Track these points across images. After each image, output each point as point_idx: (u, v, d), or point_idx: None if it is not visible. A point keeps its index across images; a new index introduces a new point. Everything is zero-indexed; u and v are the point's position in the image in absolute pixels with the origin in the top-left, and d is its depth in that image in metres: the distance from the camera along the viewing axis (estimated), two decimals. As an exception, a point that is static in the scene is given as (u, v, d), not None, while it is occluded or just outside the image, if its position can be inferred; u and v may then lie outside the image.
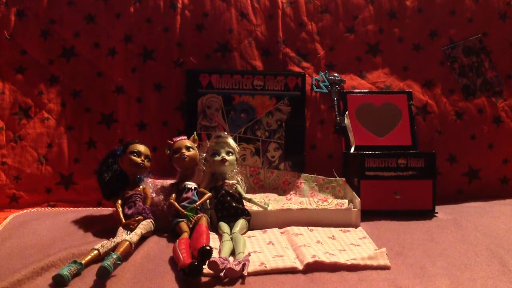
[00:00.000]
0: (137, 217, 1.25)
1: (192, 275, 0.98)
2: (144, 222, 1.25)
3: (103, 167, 1.41)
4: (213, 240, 1.22)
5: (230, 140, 1.46)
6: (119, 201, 1.31)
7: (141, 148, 1.38)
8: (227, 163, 1.42)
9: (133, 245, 1.14)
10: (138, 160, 1.35)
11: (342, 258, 1.09)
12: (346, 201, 1.53)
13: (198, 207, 1.32)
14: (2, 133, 1.68)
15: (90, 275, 1.02)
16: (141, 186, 1.36)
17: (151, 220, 1.28)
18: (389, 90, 1.84)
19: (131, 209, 1.29)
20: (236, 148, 1.47)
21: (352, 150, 1.69)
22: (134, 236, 1.16)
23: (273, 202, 1.54)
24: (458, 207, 1.65)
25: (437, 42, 1.88)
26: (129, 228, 1.22)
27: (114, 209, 1.32)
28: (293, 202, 1.56)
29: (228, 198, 1.36)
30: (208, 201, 1.37)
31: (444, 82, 1.86)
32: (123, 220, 1.25)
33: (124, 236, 1.17)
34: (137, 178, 1.37)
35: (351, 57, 1.87)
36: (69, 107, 1.73)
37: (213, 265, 0.99)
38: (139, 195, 1.32)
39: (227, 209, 1.34)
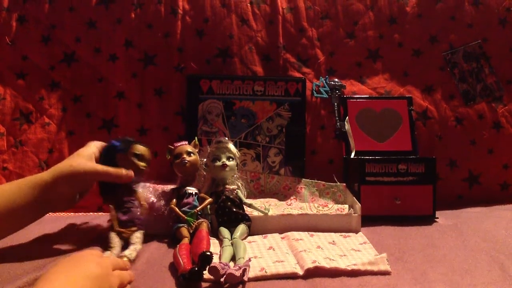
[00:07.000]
0: (131, 227, 1.23)
1: (193, 280, 0.98)
2: (139, 235, 1.22)
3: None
4: (214, 246, 1.22)
5: (231, 146, 1.46)
6: (113, 205, 1.26)
7: (145, 152, 1.33)
8: (227, 169, 1.42)
9: (132, 262, 1.11)
10: (141, 165, 1.32)
11: (343, 264, 1.09)
12: (346, 206, 1.53)
13: (199, 213, 1.32)
14: (3, 139, 1.68)
15: (90, 280, 1.01)
16: (136, 191, 1.31)
17: (143, 232, 1.24)
18: (389, 95, 1.84)
19: (126, 215, 1.25)
20: (236, 153, 1.47)
21: (352, 155, 1.70)
22: (133, 253, 1.14)
23: (273, 207, 1.54)
24: (459, 213, 1.64)
25: (437, 48, 1.88)
26: (122, 237, 1.19)
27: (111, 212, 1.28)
28: (293, 207, 1.56)
29: (229, 203, 1.36)
30: (208, 206, 1.37)
31: (444, 88, 1.86)
32: (117, 226, 1.22)
33: (119, 246, 1.15)
34: (133, 182, 1.34)
35: (351, 62, 1.87)
36: (70, 112, 1.74)
37: (214, 270, 0.99)
38: (134, 201, 1.29)
39: (228, 215, 1.34)
